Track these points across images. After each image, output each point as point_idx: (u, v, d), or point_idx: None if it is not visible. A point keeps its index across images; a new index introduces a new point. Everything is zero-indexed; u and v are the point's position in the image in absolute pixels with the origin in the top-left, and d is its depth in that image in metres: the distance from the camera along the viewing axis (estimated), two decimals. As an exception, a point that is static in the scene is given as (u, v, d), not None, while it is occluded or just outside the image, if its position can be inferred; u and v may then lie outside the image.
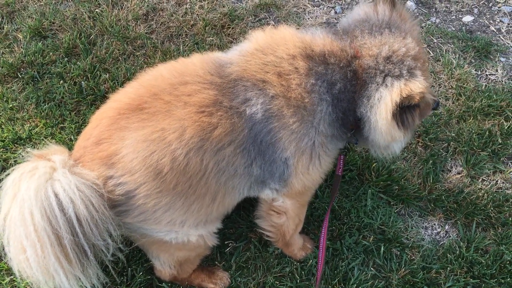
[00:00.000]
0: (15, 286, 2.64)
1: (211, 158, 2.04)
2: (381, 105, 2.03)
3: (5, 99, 3.39)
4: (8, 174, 1.98)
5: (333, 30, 2.24)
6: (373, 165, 3.14)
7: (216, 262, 2.81)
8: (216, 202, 2.18)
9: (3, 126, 3.24)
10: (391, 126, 2.06)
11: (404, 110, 2.06)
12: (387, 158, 2.69)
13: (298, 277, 2.74)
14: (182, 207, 2.12)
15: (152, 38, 3.83)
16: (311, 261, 2.79)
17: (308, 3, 4.23)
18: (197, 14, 4.01)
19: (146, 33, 3.86)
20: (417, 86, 1.98)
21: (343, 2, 4.28)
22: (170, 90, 2.06)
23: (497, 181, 3.22)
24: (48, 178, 1.89)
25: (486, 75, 3.79)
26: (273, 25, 3.96)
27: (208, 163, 2.04)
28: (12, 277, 2.65)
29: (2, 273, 2.68)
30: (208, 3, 4.10)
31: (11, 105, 3.35)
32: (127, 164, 1.99)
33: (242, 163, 2.12)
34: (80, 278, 2.01)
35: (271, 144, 2.11)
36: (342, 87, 2.09)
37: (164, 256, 2.42)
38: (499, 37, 4.06)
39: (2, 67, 3.56)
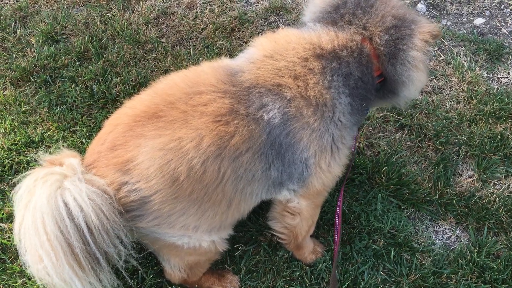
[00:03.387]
0: (27, 288, 2.67)
1: (229, 165, 2.06)
2: (418, 63, 2.20)
3: (18, 103, 3.43)
4: (21, 180, 2.00)
5: (331, 21, 2.24)
6: (383, 168, 3.13)
7: (226, 266, 2.82)
8: (231, 208, 2.20)
9: (16, 130, 3.28)
10: (426, 75, 2.27)
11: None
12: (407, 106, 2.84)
13: (308, 281, 2.74)
14: (196, 213, 2.13)
15: (162, 42, 3.86)
16: (320, 265, 2.79)
17: (318, 6, 4.23)
18: (207, 18, 4.03)
19: (156, 36, 3.89)
20: (428, 26, 2.22)
21: (353, 5, 4.26)
22: (186, 99, 2.08)
23: (509, 185, 3.19)
24: (59, 186, 1.91)
25: (498, 78, 3.76)
26: (282, 27, 3.97)
27: (226, 171, 2.06)
28: (24, 279, 2.68)
29: (14, 276, 2.71)
30: (218, 6, 4.11)
31: (23, 109, 3.39)
32: (143, 171, 2.00)
33: (260, 167, 2.14)
34: (94, 284, 2.03)
35: (291, 146, 2.13)
36: (359, 75, 2.17)
37: (175, 260, 2.44)
38: (511, 39, 4.03)
39: (15, 71, 3.61)
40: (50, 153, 2.20)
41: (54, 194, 1.88)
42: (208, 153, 2.02)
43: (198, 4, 4.14)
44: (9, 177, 3.06)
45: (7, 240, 2.80)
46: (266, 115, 2.08)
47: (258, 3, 4.21)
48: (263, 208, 2.99)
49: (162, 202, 2.04)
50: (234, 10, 4.11)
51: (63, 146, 2.54)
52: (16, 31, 3.92)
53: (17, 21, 3.99)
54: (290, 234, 2.62)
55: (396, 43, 2.17)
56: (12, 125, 3.31)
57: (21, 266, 2.71)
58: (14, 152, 3.17)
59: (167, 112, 2.06)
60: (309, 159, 2.18)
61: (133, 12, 4.05)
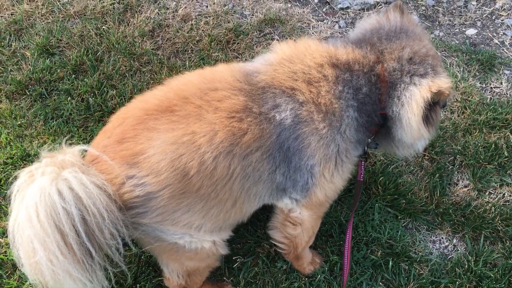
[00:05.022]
0: None
1: (239, 163, 2.07)
2: (413, 102, 2.13)
3: (13, 116, 3.42)
4: (16, 177, 1.93)
5: (351, 39, 2.33)
6: (380, 179, 3.15)
7: (225, 278, 2.81)
8: (235, 208, 2.20)
9: (11, 143, 3.26)
10: (420, 122, 2.16)
11: (428, 108, 2.16)
12: (410, 157, 2.77)
13: (307, 293, 2.74)
14: (202, 210, 2.12)
15: (158, 54, 3.87)
16: (319, 276, 2.79)
17: (312, 18, 4.27)
18: (203, 30, 4.05)
19: (152, 49, 3.90)
20: (444, 81, 2.13)
21: (347, 16, 4.31)
22: (201, 95, 2.10)
23: (504, 194, 3.22)
24: (56, 176, 1.85)
25: (491, 88, 3.81)
26: (280, 40, 3.99)
27: (236, 168, 2.07)
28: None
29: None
30: (213, 19, 4.14)
31: (19, 122, 3.38)
32: (153, 165, 1.98)
33: (267, 169, 2.15)
34: (87, 284, 1.94)
35: (298, 150, 2.15)
36: (367, 91, 2.19)
37: (174, 265, 2.40)
38: (503, 50, 4.08)
39: (10, 84, 3.60)
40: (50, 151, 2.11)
41: (50, 183, 1.82)
42: (221, 148, 2.03)
43: (193, 17, 4.17)
44: (5, 191, 3.03)
45: (3, 255, 2.78)
46: (279, 115, 2.11)
47: (253, 15, 4.24)
48: (261, 220, 3.00)
49: (169, 197, 2.02)
50: (229, 22, 4.13)
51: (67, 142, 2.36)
52: (11, 45, 3.91)
53: (12, 35, 3.99)
54: (290, 244, 2.62)
55: (402, 74, 2.16)
56: (8, 139, 3.29)
57: (17, 281, 2.69)
58: (10, 166, 3.15)
59: (182, 106, 2.07)
60: (314, 167, 2.19)
61: (128, 25, 4.06)
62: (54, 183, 1.83)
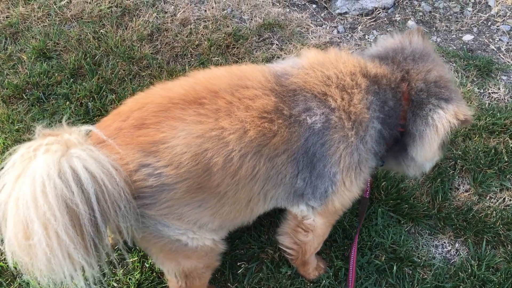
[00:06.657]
0: None
1: (264, 164, 2.05)
2: (439, 124, 2.20)
3: (10, 121, 3.36)
4: (12, 152, 1.77)
5: (374, 55, 2.38)
6: (382, 183, 3.15)
7: (229, 284, 2.78)
8: (248, 208, 2.17)
9: (9, 148, 3.19)
10: (440, 144, 2.24)
11: (449, 133, 2.24)
12: (417, 177, 2.84)
13: (312, 298, 2.72)
14: (214, 207, 2.07)
15: (157, 58, 3.84)
16: (324, 281, 2.78)
17: (311, 22, 4.28)
18: (202, 34, 4.03)
19: (151, 53, 3.87)
20: (467, 110, 2.24)
21: (345, 22, 4.33)
22: (231, 91, 2.07)
23: (504, 198, 3.24)
24: (64, 153, 1.71)
25: (489, 93, 3.84)
26: (277, 45, 3.99)
27: (260, 169, 2.05)
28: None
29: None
30: (212, 23, 4.12)
31: (17, 127, 3.32)
32: (175, 157, 1.91)
33: (289, 172, 2.14)
34: (88, 268, 1.82)
35: (324, 157, 2.14)
36: (392, 105, 2.24)
37: (170, 265, 2.30)
38: (499, 55, 4.13)
39: (7, 88, 3.54)
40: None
41: (58, 161, 1.68)
42: (249, 148, 2.00)
43: (192, 21, 4.15)
44: (3, 197, 2.97)
45: (3, 262, 2.72)
46: (310, 118, 2.10)
47: (251, 19, 4.23)
48: (265, 225, 2.98)
49: (185, 191, 1.96)
50: (228, 26, 4.12)
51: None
52: (6, 48, 3.86)
53: (8, 38, 3.93)
54: (299, 250, 2.60)
55: (429, 96, 2.23)
56: (6, 144, 3.24)
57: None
58: (8, 171, 3.09)
59: (211, 100, 2.02)
60: (336, 174, 2.18)
61: (126, 29, 4.03)
62: (65, 161, 1.69)
